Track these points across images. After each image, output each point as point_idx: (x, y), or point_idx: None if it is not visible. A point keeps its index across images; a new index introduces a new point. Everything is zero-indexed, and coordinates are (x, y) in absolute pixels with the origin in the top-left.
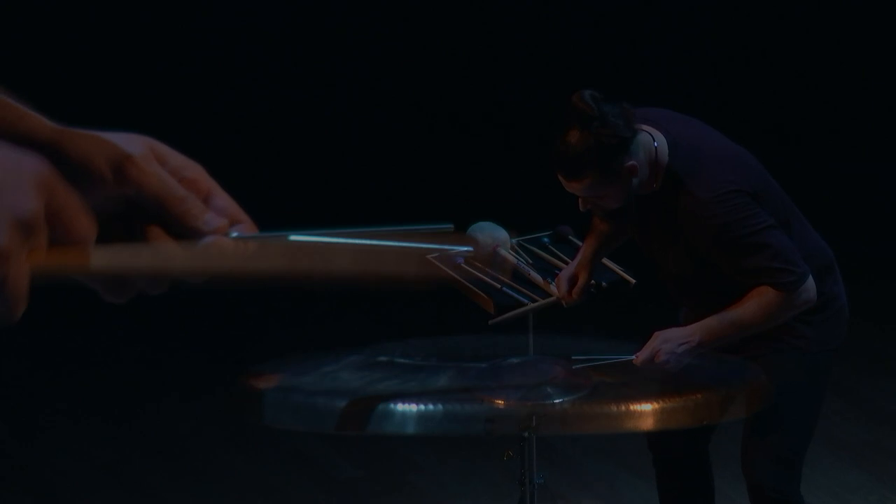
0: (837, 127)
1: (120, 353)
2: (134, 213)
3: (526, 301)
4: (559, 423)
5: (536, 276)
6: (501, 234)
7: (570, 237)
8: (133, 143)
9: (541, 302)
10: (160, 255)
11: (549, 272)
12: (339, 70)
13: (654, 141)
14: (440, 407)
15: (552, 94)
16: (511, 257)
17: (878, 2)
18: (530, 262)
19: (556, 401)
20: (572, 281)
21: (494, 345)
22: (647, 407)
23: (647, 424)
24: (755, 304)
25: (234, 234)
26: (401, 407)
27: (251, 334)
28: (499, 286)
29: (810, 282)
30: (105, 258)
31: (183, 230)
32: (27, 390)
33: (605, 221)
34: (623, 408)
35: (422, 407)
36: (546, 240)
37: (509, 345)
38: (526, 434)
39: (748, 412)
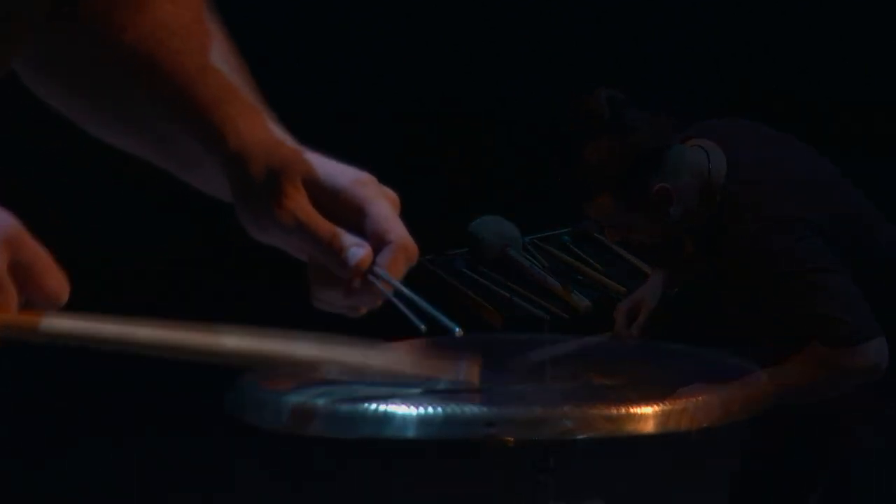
0: (846, 123)
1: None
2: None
3: (544, 315)
4: (560, 428)
5: (554, 283)
6: (511, 230)
7: (596, 235)
8: (281, 180)
9: (593, 338)
10: (122, 331)
11: (570, 277)
12: (342, 66)
13: (708, 160)
14: (440, 410)
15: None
16: (522, 259)
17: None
18: (546, 265)
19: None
20: (632, 314)
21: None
22: (647, 410)
23: (648, 427)
24: (798, 360)
25: (375, 274)
26: (401, 411)
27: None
28: (509, 295)
29: (878, 345)
30: (65, 326)
31: (328, 262)
32: (26, 390)
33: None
34: (623, 411)
35: (422, 411)
36: (566, 238)
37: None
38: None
39: (748, 415)
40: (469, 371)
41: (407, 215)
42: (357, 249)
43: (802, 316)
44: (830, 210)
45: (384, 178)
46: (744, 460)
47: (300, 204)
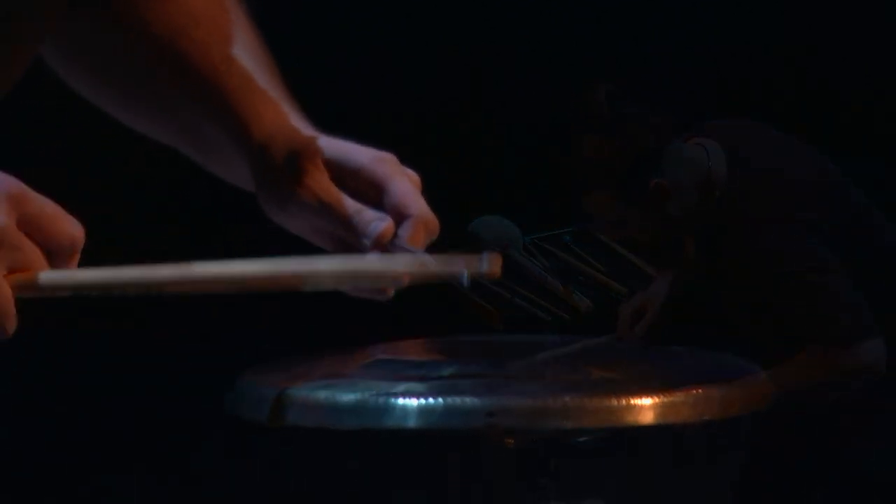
0: (845, 123)
1: (116, 353)
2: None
3: (544, 315)
4: (560, 418)
5: (555, 283)
6: (511, 230)
7: (599, 235)
8: (302, 159)
9: (594, 339)
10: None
11: (571, 278)
12: (342, 66)
13: (708, 159)
14: (440, 401)
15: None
16: (522, 259)
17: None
18: (547, 265)
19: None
20: (637, 315)
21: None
22: (647, 401)
23: (648, 419)
24: (798, 360)
25: (397, 247)
26: (401, 401)
27: (251, 334)
28: (509, 295)
29: (875, 344)
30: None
31: (351, 239)
32: (24, 390)
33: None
34: (623, 402)
35: (422, 401)
36: (568, 238)
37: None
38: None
39: (748, 409)
40: (491, 262)
41: None
42: (378, 223)
43: (802, 316)
44: (831, 210)
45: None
46: (747, 460)
47: (322, 182)
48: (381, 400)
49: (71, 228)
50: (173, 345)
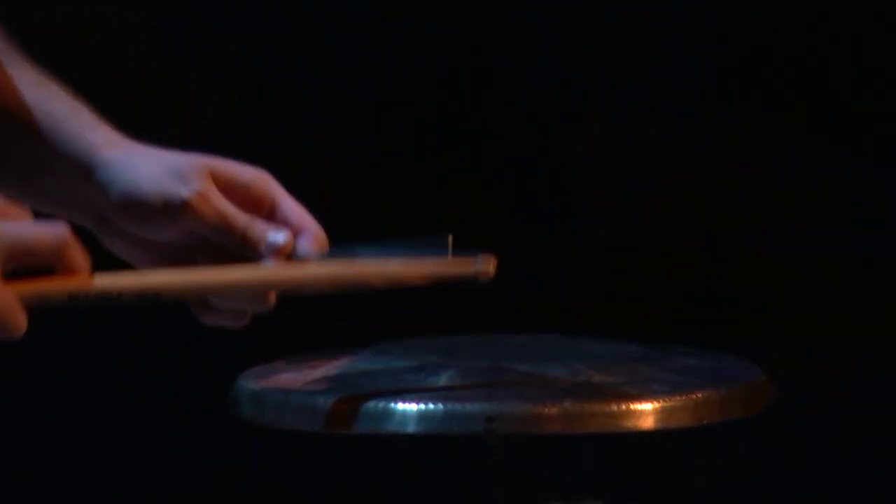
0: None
1: (116, 353)
2: (194, 241)
3: None
4: (559, 423)
5: None
6: None
7: None
8: (189, 175)
9: None
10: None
11: None
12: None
13: None
14: (440, 406)
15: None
16: None
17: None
18: None
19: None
20: None
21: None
22: (647, 406)
23: (647, 423)
24: None
25: (300, 254)
26: (401, 406)
27: (250, 334)
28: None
29: None
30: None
31: (247, 256)
32: (22, 389)
33: None
34: (623, 407)
35: (422, 406)
36: None
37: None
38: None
39: (749, 411)
40: (485, 263)
41: (421, 219)
42: (277, 234)
43: None
44: None
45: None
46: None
47: (216, 196)
48: (381, 405)
49: (49, 232)
50: (173, 345)
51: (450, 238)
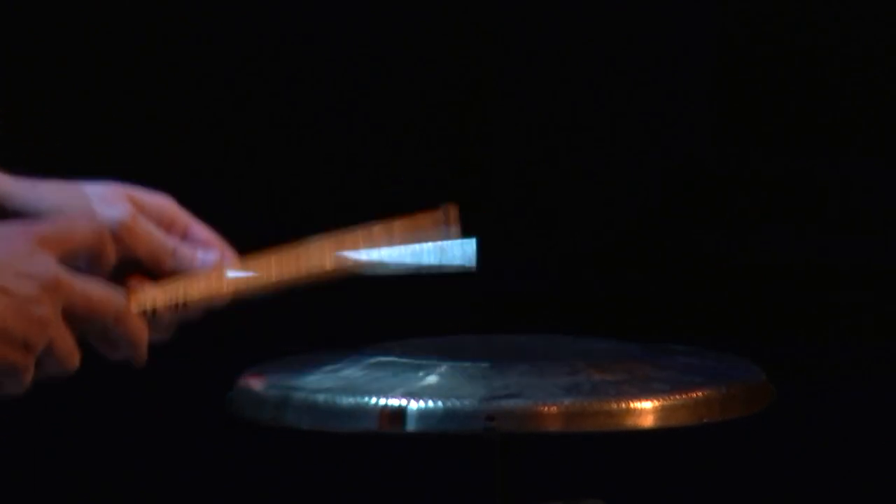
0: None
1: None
2: (121, 267)
3: None
4: (559, 422)
5: None
6: None
7: None
8: (112, 200)
9: None
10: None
11: None
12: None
13: None
14: (440, 404)
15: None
16: None
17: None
18: None
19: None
20: None
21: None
22: (647, 405)
23: (648, 422)
24: None
25: (230, 274)
26: (400, 405)
27: (250, 333)
28: None
29: None
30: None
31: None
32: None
33: None
34: (623, 405)
35: (422, 405)
36: None
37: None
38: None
39: (749, 410)
40: (449, 212)
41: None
42: (207, 254)
43: None
44: None
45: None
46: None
47: (144, 219)
48: (381, 404)
49: (108, 298)
50: (173, 345)
51: (447, 209)
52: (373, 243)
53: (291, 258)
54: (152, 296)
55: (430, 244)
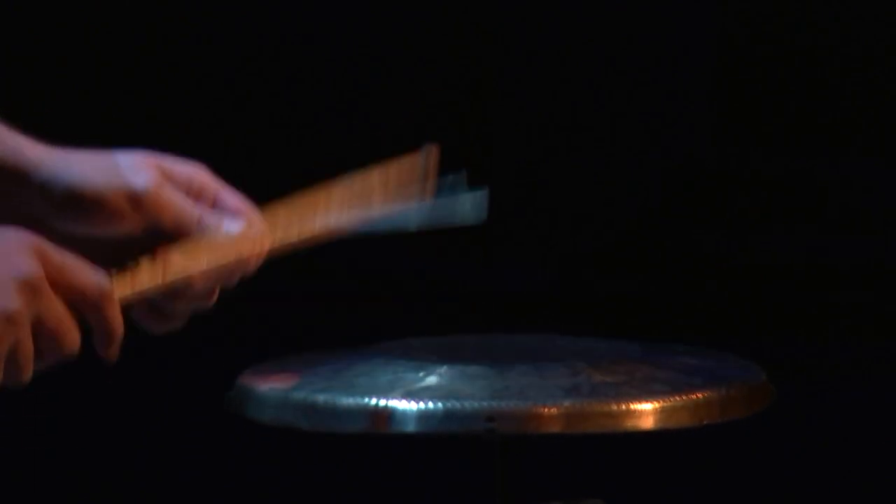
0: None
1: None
2: (147, 237)
3: None
4: (560, 423)
5: None
6: None
7: None
8: (140, 168)
9: None
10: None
11: None
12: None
13: None
14: (440, 405)
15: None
16: None
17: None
18: None
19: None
20: None
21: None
22: (647, 406)
23: (648, 424)
24: None
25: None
26: (401, 406)
27: (251, 334)
28: None
29: None
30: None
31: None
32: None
33: None
34: (623, 407)
35: (422, 406)
36: None
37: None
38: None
39: (749, 411)
40: (429, 154)
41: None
42: (232, 223)
43: None
44: None
45: None
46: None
47: (170, 186)
48: (381, 405)
49: (95, 278)
50: (173, 345)
51: (429, 151)
52: (358, 192)
53: (295, 218)
54: (139, 280)
55: (440, 199)
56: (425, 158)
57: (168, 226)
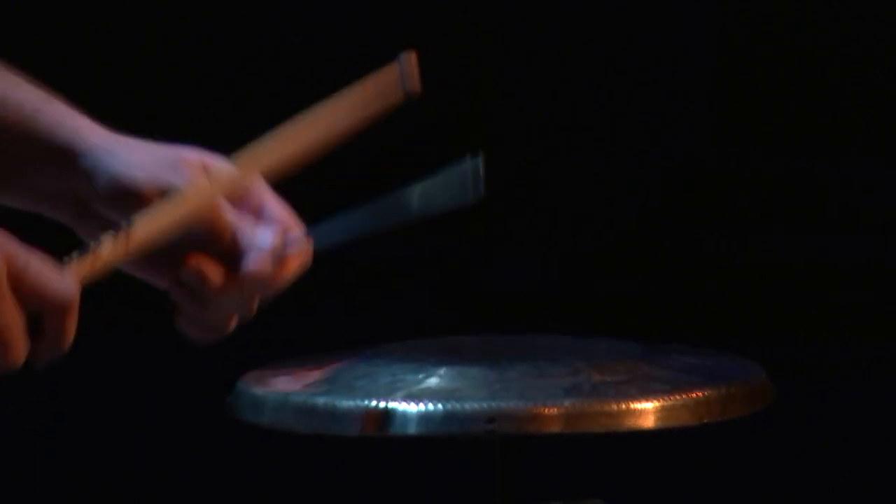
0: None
1: (117, 352)
2: (182, 237)
3: None
4: (560, 423)
5: None
6: None
7: None
8: (183, 167)
9: None
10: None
11: None
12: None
13: None
14: (440, 407)
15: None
16: None
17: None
18: None
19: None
20: None
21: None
22: (647, 405)
23: (648, 423)
24: None
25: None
26: (401, 407)
27: (250, 335)
28: None
29: None
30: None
31: (230, 254)
32: (21, 389)
33: None
34: (623, 406)
35: (422, 407)
36: None
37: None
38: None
39: (749, 410)
40: (407, 63)
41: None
42: (266, 233)
43: None
44: None
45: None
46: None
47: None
48: (381, 406)
49: (60, 285)
50: (173, 346)
51: (406, 58)
52: (341, 107)
53: (283, 145)
54: (102, 256)
55: (433, 181)
56: (402, 66)
57: (200, 229)
